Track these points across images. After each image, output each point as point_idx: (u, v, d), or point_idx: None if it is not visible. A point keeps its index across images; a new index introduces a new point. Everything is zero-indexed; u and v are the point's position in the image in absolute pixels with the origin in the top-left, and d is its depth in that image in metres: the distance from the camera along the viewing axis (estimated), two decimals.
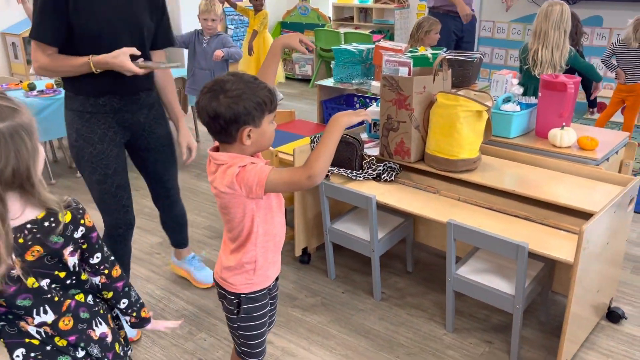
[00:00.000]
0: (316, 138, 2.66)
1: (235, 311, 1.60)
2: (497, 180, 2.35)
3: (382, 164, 2.57)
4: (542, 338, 2.31)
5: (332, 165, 2.65)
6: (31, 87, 3.95)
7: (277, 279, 1.70)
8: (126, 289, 1.38)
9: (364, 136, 2.92)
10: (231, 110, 1.39)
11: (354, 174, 2.56)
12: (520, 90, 2.93)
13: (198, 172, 4.20)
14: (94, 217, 1.35)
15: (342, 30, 6.51)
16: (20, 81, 4.35)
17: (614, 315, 2.40)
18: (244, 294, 1.58)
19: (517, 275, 2.01)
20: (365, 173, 2.56)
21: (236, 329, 1.64)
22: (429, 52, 3.13)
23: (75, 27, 1.92)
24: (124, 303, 1.37)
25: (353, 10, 7.07)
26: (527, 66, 3.20)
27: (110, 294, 1.35)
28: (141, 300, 1.43)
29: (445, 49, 3.44)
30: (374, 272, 2.54)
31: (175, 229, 2.61)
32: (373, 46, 3.47)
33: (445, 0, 4.59)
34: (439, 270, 2.76)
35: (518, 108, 2.71)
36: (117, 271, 1.35)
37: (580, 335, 2.19)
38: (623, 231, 2.26)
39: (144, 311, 1.43)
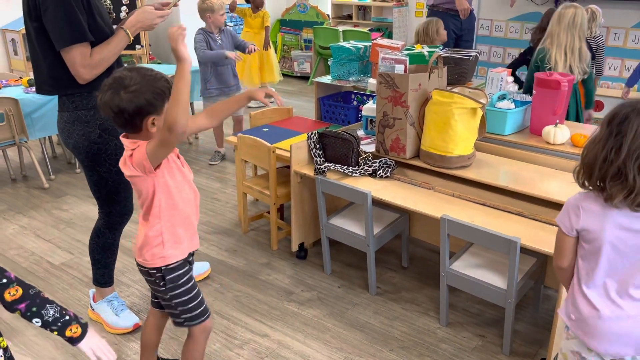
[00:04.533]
0: (313, 135, 2.69)
1: (161, 284, 1.71)
2: (491, 177, 2.38)
3: (378, 161, 2.60)
4: (534, 332, 2.34)
5: (329, 161, 2.68)
6: (31, 83, 3.97)
7: (192, 254, 1.82)
8: (33, 308, 1.31)
9: (360, 133, 2.95)
10: (133, 104, 1.52)
11: (350, 170, 2.59)
12: (516, 87, 2.96)
13: (196, 168, 4.23)
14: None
15: (340, 28, 6.54)
16: (20, 77, 4.38)
17: None
18: (164, 266, 1.69)
19: (509, 269, 2.04)
20: (361, 169, 2.59)
21: (170, 299, 1.73)
22: (425, 50, 3.16)
23: (91, 25, 2.00)
24: (36, 322, 1.32)
25: (352, 8, 7.09)
26: (548, 66, 3.05)
27: (17, 313, 1.31)
28: (65, 319, 1.35)
29: (441, 47, 3.47)
30: (369, 267, 2.57)
31: None
32: (370, 44, 3.49)
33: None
34: (434, 265, 2.79)
35: (513, 105, 2.74)
36: (11, 294, 1.28)
37: None
38: None
39: (71, 330, 1.35)
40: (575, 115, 3.24)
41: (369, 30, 6.44)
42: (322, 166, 2.61)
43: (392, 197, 2.39)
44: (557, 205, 2.18)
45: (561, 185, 2.30)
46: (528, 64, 3.91)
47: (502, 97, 2.78)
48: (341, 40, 6.06)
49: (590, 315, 1.40)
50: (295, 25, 7.32)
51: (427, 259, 2.91)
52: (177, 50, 1.51)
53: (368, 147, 2.75)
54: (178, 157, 1.71)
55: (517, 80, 3.86)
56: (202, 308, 1.79)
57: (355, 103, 3.65)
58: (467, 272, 2.22)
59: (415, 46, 3.32)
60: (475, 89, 2.52)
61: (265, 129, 3.27)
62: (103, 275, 2.39)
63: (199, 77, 4.24)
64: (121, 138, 1.63)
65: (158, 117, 1.56)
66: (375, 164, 2.59)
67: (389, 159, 2.61)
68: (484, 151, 2.62)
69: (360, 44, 3.57)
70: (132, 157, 1.57)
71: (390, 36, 6.50)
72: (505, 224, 2.13)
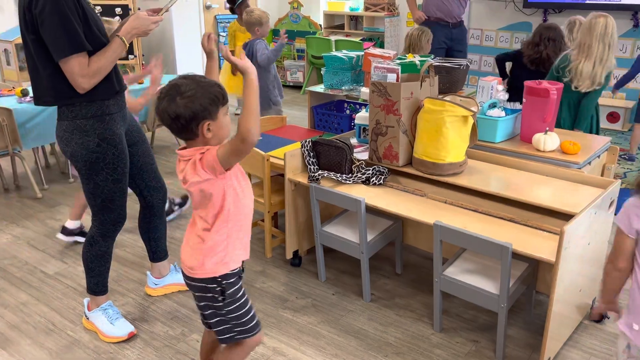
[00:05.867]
0: (307, 143, 2.72)
1: (220, 298, 1.69)
2: (482, 184, 2.42)
3: (371, 168, 2.63)
4: (527, 337, 2.37)
5: (323, 169, 2.71)
6: (24, 93, 3.97)
7: (243, 269, 1.80)
8: None
9: (354, 141, 2.98)
10: (189, 109, 1.55)
11: (344, 177, 2.62)
12: (506, 96, 3.00)
13: None
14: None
15: (333, 37, 6.59)
16: (13, 87, 4.38)
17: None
18: (224, 279, 1.68)
19: (501, 275, 2.07)
20: (355, 177, 2.62)
21: (225, 314, 1.72)
22: (416, 59, 3.20)
23: (87, 34, 2.03)
24: None
25: (344, 18, 7.16)
26: (566, 78, 3.10)
27: None
28: None
29: (433, 56, 3.51)
30: (363, 274, 2.59)
31: (164, 231, 2.64)
32: (363, 53, 3.54)
33: (433, 10, 4.71)
34: (427, 271, 2.82)
35: (503, 113, 2.79)
36: None
37: (563, 333, 2.25)
38: (604, 232, 2.33)
39: None
40: (589, 126, 3.25)
41: (361, 40, 6.50)
42: (316, 174, 2.64)
43: (385, 204, 2.41)
44: (548, 212, 2.22)
45: (551, 191, 2.34)
46: (512, 60, 3.94)
47: (493, 105, 2.82)
48: (333, 49, 6.12)
49: None
50: (288, 35, 7.35)
51: (420, 266, 2.93)
52: (242, 64, 1.59)
53: (361, 154, 2.78)
54: None
55: (503, 73, 3.93)
56: (256, 320, 1.78)
57: (348, 112, 3.68)
58: (460, 278, 2.25)
59: (407, 55, 3.36)
60: (467, 97, 2.56)
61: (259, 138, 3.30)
62: (97, 284, 2.39)
63: None
64: (179, 151, 1.64)
65: (213, 122, 1.59)
66: (368, 172, 2.61)
67: (382, 166, 2.64)
68: (475, 158, 2.66)
69: (352, 54, 3.61)
70: (203, 160, 1.58)
71: (382, 46, 6.57)
72: (497, 229, 2.16)
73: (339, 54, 3.61)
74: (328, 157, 2.69)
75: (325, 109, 3.67)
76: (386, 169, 2.63)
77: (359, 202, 2.40)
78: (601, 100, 5.21)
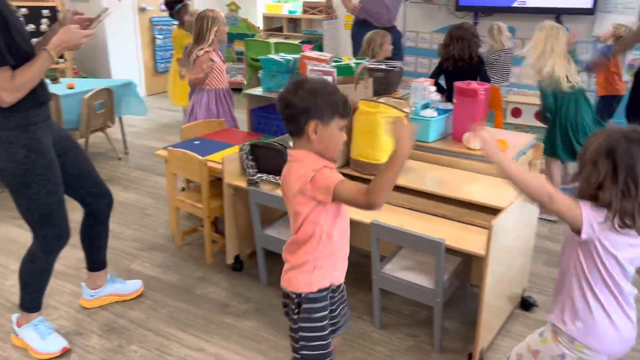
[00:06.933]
0: (245, 147, 2.70)
1: (295, 311, 1.65)
2: (417, 182, 2.49)
3: None
4: (462, 329, 2.46)
5: (261, 172, 2.70)
6: None
7: (343, 287, 1.76)
8: None
9: (292, 143, 2.99)
10: (303, 102, 1.53)
11: None
12: (439, 97, 3.10)
13: (126, 184, 4.12)
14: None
15: (272, 40, 6.59)
16: None
17: (526, 304, 2.58)
18: (304, 293, 1.63)
19: (436, 269, 2.14)
20: None
21: (297, 330, 1.66)
22: (352, 62, 3.26)
23: (10, 46, 1.93)
24: None
25: (282, 20, 7.16)
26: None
27: None
28: None
29: (367, 59, 3.58)
30: None
31: (106, 240, 2.56)
32: (299, 55, 3.55)
33: (363, 11, 4.81)
34: (367, 270, 2.86)
35: (436, 114, 2.87)
36: None
37: (495, 323, 2.35)
38: (531, 225, 2.45)
39: None
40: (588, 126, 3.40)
41: (300, 42, 6.53)
42: (255, 177, 2.63)
43: None
44: (479, 207, 2.31)
45: (482, 187, 2.44)
46: (445, 73, 4.07)
47: (426, 106, 2.91)
48: (273, 52, 6.11)
49: None
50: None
51: (360, 265, 2.96)
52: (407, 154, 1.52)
53: None
54: None
55: (440, 88, 4.04)
56: (327, 350, 1.69)
57: None
58: (397, 275, 2.31)
59: (342, 58, 3.41)
60: (400, 99, 2.63)
61: (196, 142, 3.25)
62: (32, 301, 2.29)
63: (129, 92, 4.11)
64: (290, 151, 1.62)
65: (322, 126, 1.54)
66: None
67: None
68: (410, 158, 2.68)
69: (289, 56, 3.62)
70: (313, 180, 1.51)
71: (320, 48, 6.62)
72: (432, 226, 2.23)
73: (275, 57, 3.61)
74: (267, 160, 2.68)
75: (263, 111, 3.66)
76: None
77: None
78: (530, 100, 5.47)
